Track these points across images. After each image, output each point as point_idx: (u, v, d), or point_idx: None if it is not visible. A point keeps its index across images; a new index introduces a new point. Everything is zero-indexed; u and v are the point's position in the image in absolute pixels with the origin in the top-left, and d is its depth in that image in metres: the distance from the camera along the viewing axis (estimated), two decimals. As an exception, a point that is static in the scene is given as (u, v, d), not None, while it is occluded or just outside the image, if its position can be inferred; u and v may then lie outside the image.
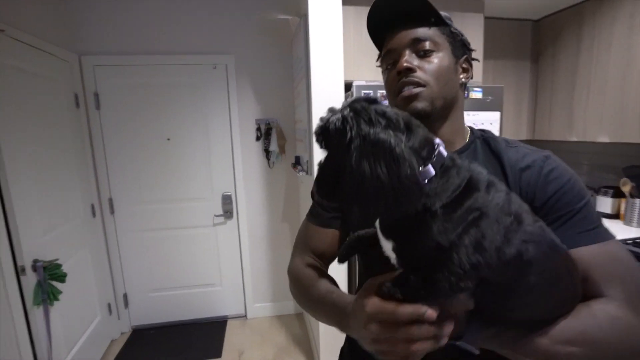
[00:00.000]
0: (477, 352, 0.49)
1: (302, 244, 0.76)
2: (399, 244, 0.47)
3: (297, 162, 2.30)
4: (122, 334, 2.54)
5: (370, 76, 2.02)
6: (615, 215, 2.19)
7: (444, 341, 0.43)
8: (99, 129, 2.28)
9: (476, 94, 1.90)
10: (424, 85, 0.58)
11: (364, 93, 1.71)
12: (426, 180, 0.43)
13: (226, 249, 2.61)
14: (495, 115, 1.94)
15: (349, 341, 0.77)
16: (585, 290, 0.50)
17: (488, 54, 2.26)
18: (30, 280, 1.58)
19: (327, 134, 0.44)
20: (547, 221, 0.51)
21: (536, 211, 0.51)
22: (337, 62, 1.71)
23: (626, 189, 2.08)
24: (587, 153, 2.51)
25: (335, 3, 1.66)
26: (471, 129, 0.69)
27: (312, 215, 0.77)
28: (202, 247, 2.57)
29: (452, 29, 0.63)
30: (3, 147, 1.43)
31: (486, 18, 2.11)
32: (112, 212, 2.39)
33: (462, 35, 0.65)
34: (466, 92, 1.89)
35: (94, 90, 2.23)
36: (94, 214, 2.28)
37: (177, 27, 2.28)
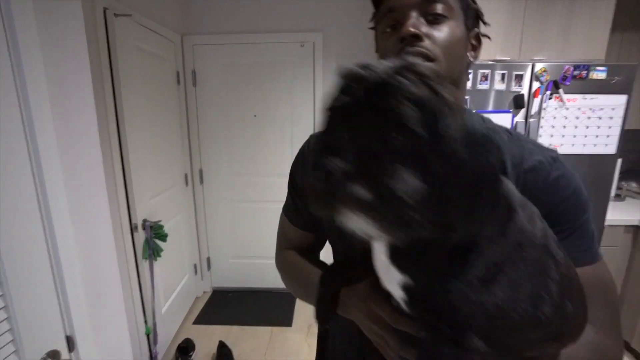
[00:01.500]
0: None
1: (284, 240, 0.74)
2: (418, 283, 0.34)
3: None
4: (204, 292, 2.81)
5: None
6: None
7: None
8: (194, 105, 2.47)
9: (599, 74, 1.63)
10: (432, 59, 0.47)
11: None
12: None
13: (300, 225, 2.70)
14: (621, 99, 1.66)
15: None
16: None
17: (618, 26, 1.91)
18: (140, 237, 1.81)
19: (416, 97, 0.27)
20: None
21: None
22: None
23: None
24: None
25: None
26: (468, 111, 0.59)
27: (289, 211, 0.71)
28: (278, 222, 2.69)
29: None
30: (126, 120, 1.62)
31: (621, -19, 1.77)
32: (201, 182, 2.61)
33: (476, 3, 0.53)
34: (586, 72, 1.64)
35: (192, 68, 2.40)
36: (186, 183, 2.50)
37: (267, 6, 2.33)
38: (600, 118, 1.68)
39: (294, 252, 0.71)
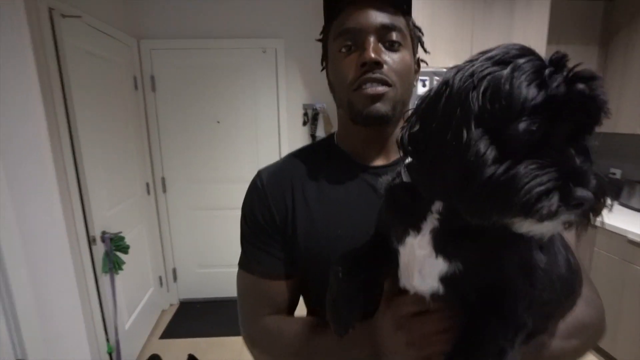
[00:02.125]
0: None
1: (259, 305, 0.60)
2: (467, 266, 0.34)
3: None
4: (170, 305, 2.70)
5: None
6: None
7: None
8: (154, 111, 2.39)
9: (540, 81, 1.79)
10: (390, 85, 0.50)
11: (419, 79, 1.66)
12: None
13: (269, 231, 2.69)
14: (560, 104, 1.83)
15: None
16: None
17: (553, 38, 2.11)
18: (99, 250, 1.71)
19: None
20: None
21: None
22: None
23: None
24: (657, 147, 2.31)
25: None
26: None
27: (253, 263, 0.60)
28: (246, 228, 2.66)
29: (413, 20, 0.55)
30: (79, 127, 1.54)
31: (554, -1, 1.96)
32: (164, 190, 2.52)
33: (420, 30, 0.58)
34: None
35: (150, 73, 2.33)
36: (148, 192, 2.41)
37: (229, 11, 2.31)
38: (543, 121, 1.84)
39: (282, 318, 0.59)
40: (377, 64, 0.49)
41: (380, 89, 0.50)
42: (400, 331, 0.41)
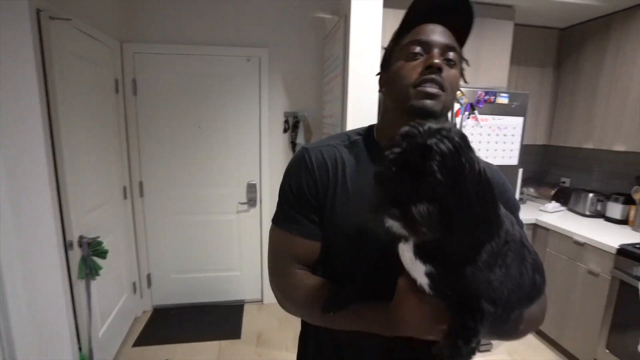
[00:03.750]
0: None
1: (287, 258, 0.68)
2: (437, 271, 0.49)
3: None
4: (144, 312, 2.64)
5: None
6: (624, 221, 2.29)
7: None
8: (134, 114, 2.36)
9: (503, 99, 1.98)
10: (444, 89, 0.60)
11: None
12: None
13: (247, 236, 2.71)
14: (519, 120, 2.03)
15: (315, 347, 0.76)
16: None
17: (515, 60, 2.33)
18: (76, 255, 1.67)
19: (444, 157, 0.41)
20: None
21: None
22: (374, 62, 1.78)
23: (637, 196, 2.18)
24: (600, 161, 2.60)
25: (377, 4, 1.73)
26: None
27: (291, 222, 0.68)
28: (224, 233, 2.67)
29: (462, 51, 0.67)
30: (62, 129, 1.51)
31: (516, 25, 2.18)
32: (141, 195, 2.48)
33: (467, 62, 0.69)
34: (493, 97, 1.97)
35: (132, 76, 2.30)
36: (125, 196, 2.37)
37: (215, 19, 2.35)
38: (505, 135, 2.03)
39: (309, 273, 0.68)
40: (440, 70, 0.59)
41: (436, 90, 0.59)
42: (419, 309, 0.53)
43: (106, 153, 2.08)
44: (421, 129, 0.42)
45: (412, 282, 0.53)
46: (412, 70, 0.61)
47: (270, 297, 2.82)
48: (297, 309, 0.69)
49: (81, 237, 1.70)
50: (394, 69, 0.64)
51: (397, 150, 0.43)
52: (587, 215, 2.46)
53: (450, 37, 0.62)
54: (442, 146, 0.41)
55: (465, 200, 0.41)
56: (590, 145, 2.36)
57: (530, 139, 2.61)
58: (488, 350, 2.28)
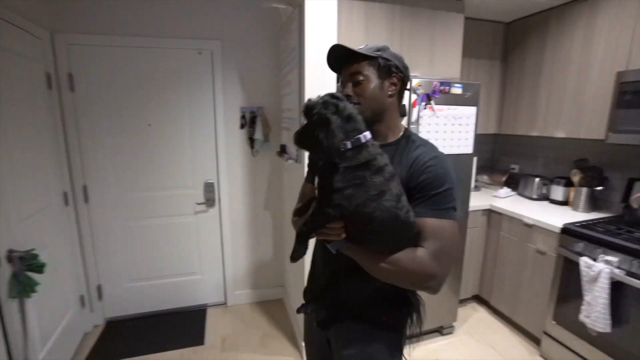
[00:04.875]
0: (334, 252, 0.84)
1: (300, 196, 1.02)
2: (320, 180, 0.80)
3: (283, 150, 2.32)
4: (95, 327, 2.44)
5: (359, 68, 2.08)
6: (565, 202, 2.48)
7: (340, 238, 0.80)
8: (72, 112, 2.14)
9: (457, 90, 2.03)
10: (357, 103, 0.87)
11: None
12: (343, 149, 0.74)
13: (207, 237, 2.59)
14: (472, 110, 2.10)
15: (309, 282, 1.11)
16: (418, 241, 0.80)
17: (466, 52, 2.41)
18: (4, 271, 1.48)
19: (306, 111, 0.76)
20: (416, 197, 0.83)
21: (413, 189, 0.83)
22: (330, 53, 1.75)
23: (576, 179, 2.36)
24: (545, 147, 2.78)
25: (331, -5, 1.69)
26: (406, 129, 0.95)
27: (306, 176, 1.00)
28: (182, 236, 2.53)
29: (380, 59, 0.88)
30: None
31: (466, 18, 2.24)
32: (86, 200, 2.27)
33: (389, 61, 0.89)
34: (448, 88, 2.01)
35: (68, 70, 2.08)
36: (66, 203, 2.15)
37: (161, 9, 2.18)
38: (460, 125, 2.09)
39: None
40: (349, 96, 0.88)
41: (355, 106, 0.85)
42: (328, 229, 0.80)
43: (39, 155, 1.86)
44: (313, 100, 0.77)
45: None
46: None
47: (234, 298, 2.73)
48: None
49: (11, 251, 1.51)
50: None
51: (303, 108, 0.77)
52: (534, 199, 2.63)
53: (352, 68, 0.89)
54: (309, 102, 0.77)
55: (312, 130, 0.75)
56: (535, 133, 2.51)
57: (483, 129, 2.73)
58: (450, 333, 2.38)
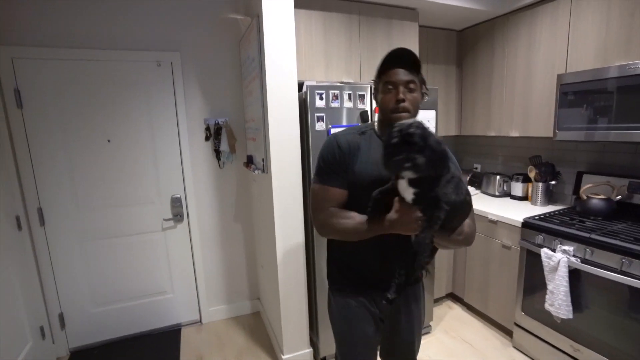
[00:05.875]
0: (428, 241, 0.94)
1: (325, 202, 1.07)
2: (420, 191, 0.88)
3: (249, 161, 2.31)
4: (58, 359, 2.28)
5: (321, 77, 2.12)
6: (525, 198, 2.61)
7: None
8: (21, 131, 2.03)
9: (415, 95, 2.11)
10: (408, 111, 1.00)
11: (316, 92, 1.80)
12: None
13: (177, 254, 2.51)
14: (432, 113, 2.18)
15: (337, 267, 1.21)
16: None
17: (424, 59, 2.52)
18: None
19: (420, 135, 0.82)
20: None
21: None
22: (290, 62, 1.77)
23: (532, 174, 2.49)
24: (502, 146, 2.93)
25: (287, 4, 1.73)
26: None
27: (330, 179, 1.07)
28: (150, 254, 2.44)
29: (422, 74, 1.04)
30: None
31: (420, 26, 2.35)
32: (42, 223, 2.14)
33: (424, 79, 1.06)
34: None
35: (14, 86, 1.98)
36: (19, 227, 2.02)
37: (116, 20, 2.13)
38: (421, 128, 2.17)
39: (339, 208, 1.07)
40: (403, 100, 0.99)
41: (403, 114, 1.00)
42: (407, 213, 0.92)
43: (-14, 178, 1.75)
44: (406, 124, 0.82)
45: (402, 200, 0.91)
46: (389, 101, 1.01)
47: (208, 315, 2.65)
48: (333, 231, 1.07)
49: (-45, 283, 1.40)
50: (380, 99, 1.05)
51: (396, 135, 0.82)
52: (497, 196, 2.75)
53: (407, 74, 1.00)
54: (416, 130, 0.81)
55: (433, 153, 0.81)
56: (492, 133, 2.64)
57: (445, 131, 2.84)
58: (428, 333, 2.41)
